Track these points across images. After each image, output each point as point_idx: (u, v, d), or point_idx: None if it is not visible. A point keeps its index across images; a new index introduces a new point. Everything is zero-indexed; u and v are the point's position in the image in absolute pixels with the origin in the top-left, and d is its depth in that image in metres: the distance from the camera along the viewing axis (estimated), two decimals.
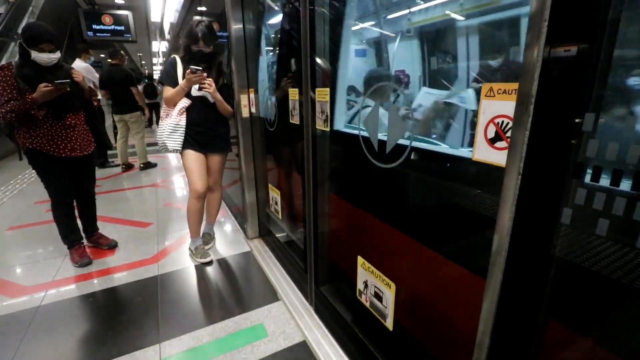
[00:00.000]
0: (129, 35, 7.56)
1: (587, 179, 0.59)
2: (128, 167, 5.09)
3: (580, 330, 0.72)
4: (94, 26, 7.11)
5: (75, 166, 2.26)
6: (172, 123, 2.13)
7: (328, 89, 1.41)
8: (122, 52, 4.92)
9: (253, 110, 2.43)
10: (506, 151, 0.68)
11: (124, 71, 4.72)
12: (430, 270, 1.13)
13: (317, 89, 1.48)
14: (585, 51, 0.56)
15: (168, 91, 2.11)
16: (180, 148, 2.18)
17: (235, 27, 2.29)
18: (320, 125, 1.50)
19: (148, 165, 5.17)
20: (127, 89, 4.69)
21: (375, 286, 1.31)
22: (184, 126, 2.15)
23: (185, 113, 2.15)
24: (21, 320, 1.84)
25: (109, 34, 7.34)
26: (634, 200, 0.53)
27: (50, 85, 1.92)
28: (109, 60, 4.82)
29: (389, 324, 1.26)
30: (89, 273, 2.30)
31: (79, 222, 2.48)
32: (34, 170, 2.17)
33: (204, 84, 2.05)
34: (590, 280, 0.66)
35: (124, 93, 4.68)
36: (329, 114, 1.43)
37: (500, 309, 0.74)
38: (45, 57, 2.00)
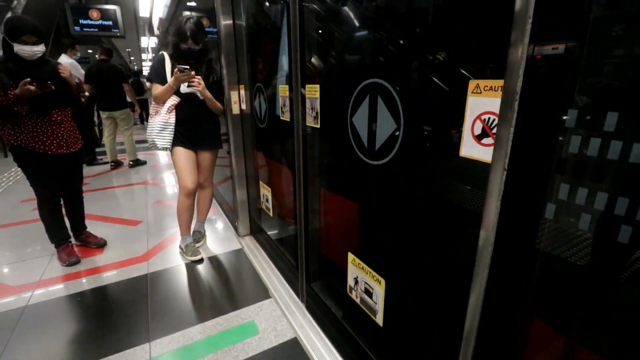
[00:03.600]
0: (117, 30, 7.42)
1: (570, 174, 0.60)
2: (117, 164, 5.02)
3: (563, 323, 0.73)
4: (81, 21, 6.97)
5: (62, 164, 2.21)
6: (161, 121, 2.10)
7: (318, 86, 1.41)
8: (111, 49, 4.83)
9: (243, 106, 2.41)
10: (492, 147, 0.69)
11: (114, 67, 4.63)
12: (420, 265, 1.14)
13: (307, 85, 1.47)
14: (569, 49, 0.57)
15: (157, 89, 2.08)
16: (169, 146, 2.16)
17: (225, 22, 2.26)
18: (310, 122, 1.50)
19: (137, 163, 5.11)
20: (118, 86, 4.61)
21: (365, 282, 1.32)
22: (174, 124, 2.12)
23: (174, 111, 2.12)
24: (8, 321, 1.81)
25: (96, 29, 7.20)
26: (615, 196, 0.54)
27: (32, 84, 1.86)
28: (97, 56, 4.73)
29: (379, 319, 1.27)
30: (77, 272, 2.26)
31: (66, 220, 2.44)
32: (20, 168, 2.13)
33: (193, 81, 2.03)
34: (574, 273, 0.67)
35: (114, 89, 4.60)
36: (319, 110, 1.43)
37: (487, 304, 0.75)
38: (28, 50, 1.95)
